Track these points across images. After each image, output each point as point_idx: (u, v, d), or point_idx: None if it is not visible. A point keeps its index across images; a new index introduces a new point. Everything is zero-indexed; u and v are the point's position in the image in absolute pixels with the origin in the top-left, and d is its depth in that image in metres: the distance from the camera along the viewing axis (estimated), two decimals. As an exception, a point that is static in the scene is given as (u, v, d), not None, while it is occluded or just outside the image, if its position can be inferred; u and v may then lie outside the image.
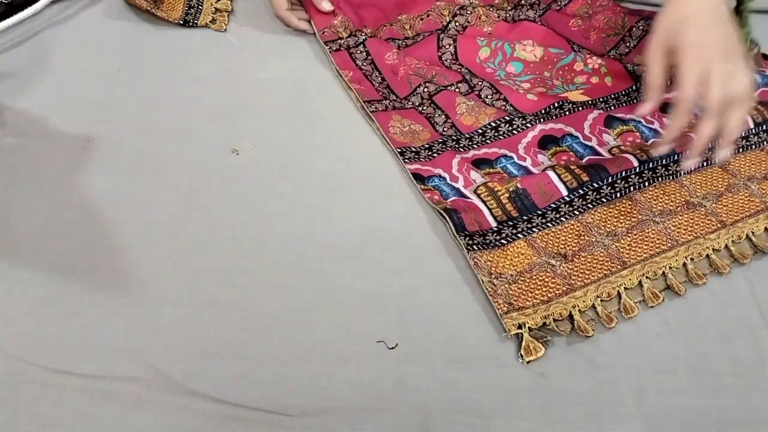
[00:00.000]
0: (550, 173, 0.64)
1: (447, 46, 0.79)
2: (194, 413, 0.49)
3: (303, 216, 0.63)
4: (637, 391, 0.51)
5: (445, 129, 0.71)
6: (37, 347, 0.52)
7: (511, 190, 0.63)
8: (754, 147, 0.69)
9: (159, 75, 0.77)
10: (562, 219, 0.62)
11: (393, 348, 0.53)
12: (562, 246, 0.60)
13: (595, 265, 0.59)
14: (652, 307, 0.57)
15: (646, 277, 0.58)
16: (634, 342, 0.54)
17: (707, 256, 0.60)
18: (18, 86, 0.74)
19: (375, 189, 0.66)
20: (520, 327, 0.54)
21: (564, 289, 0.57)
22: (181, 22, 0.83)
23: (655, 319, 0.56)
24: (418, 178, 0.66)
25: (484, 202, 0.63)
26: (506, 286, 0.57)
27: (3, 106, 0.72)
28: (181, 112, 0.72)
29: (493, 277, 0.58)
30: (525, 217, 0.62)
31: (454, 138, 0.70)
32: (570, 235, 0.61)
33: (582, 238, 0.61)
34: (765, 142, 0.69)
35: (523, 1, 0.84)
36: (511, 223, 0.62)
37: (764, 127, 0.70)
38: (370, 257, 0.59)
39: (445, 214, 0.61)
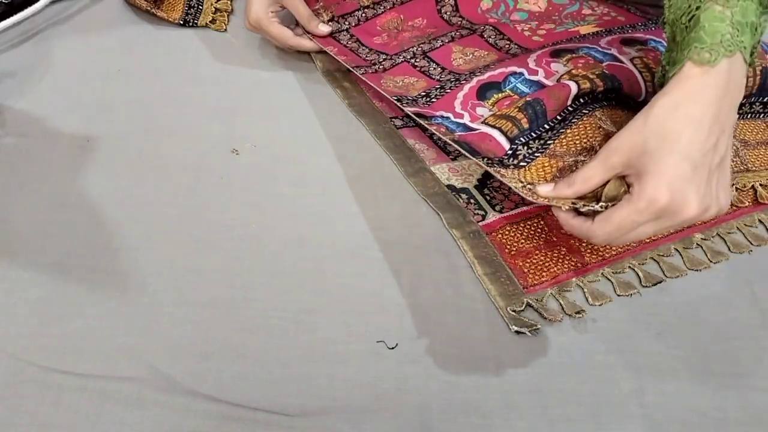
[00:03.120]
0: (568, 82, 0.59)
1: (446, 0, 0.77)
2: (194, 413, 0.49)
3: (303, 216, 0.63)
4: (637, 391, 0.51)
5: (442, 77, 0.69)
6: (37, 347, 0.52)
7: (520, 105, 0.59)
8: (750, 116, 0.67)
9: (159, 75, 0.77)
10: (574, 120, 0.58)
11: (393, 348, 0.53)
12: (585, 141, 0.57)
13: None
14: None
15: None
16: (634, 342, 0.54)
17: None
18: (18, 86, 0.74)
19: (375, 189, 0.65)
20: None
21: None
22: (181, 22, 0.83)
23: (655, 319, 0.56)
24: (421, 116, 0.62)
25: (494, 126, 0.58)
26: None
27: (3, 106, 0.72)
28: (181, 112, 0.72)
29: (526, 183, 0.53)
30: (534, 134, 0.57)
31: (453, 80, 0.67)
32: (590, 129, 0.58)
33: (601, 128, 0.57)
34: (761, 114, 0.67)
35: None
36: (523, 140, 0.57)
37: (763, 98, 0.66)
38: (370, 257, 0.59)
39: (457, 146, 0.57)
